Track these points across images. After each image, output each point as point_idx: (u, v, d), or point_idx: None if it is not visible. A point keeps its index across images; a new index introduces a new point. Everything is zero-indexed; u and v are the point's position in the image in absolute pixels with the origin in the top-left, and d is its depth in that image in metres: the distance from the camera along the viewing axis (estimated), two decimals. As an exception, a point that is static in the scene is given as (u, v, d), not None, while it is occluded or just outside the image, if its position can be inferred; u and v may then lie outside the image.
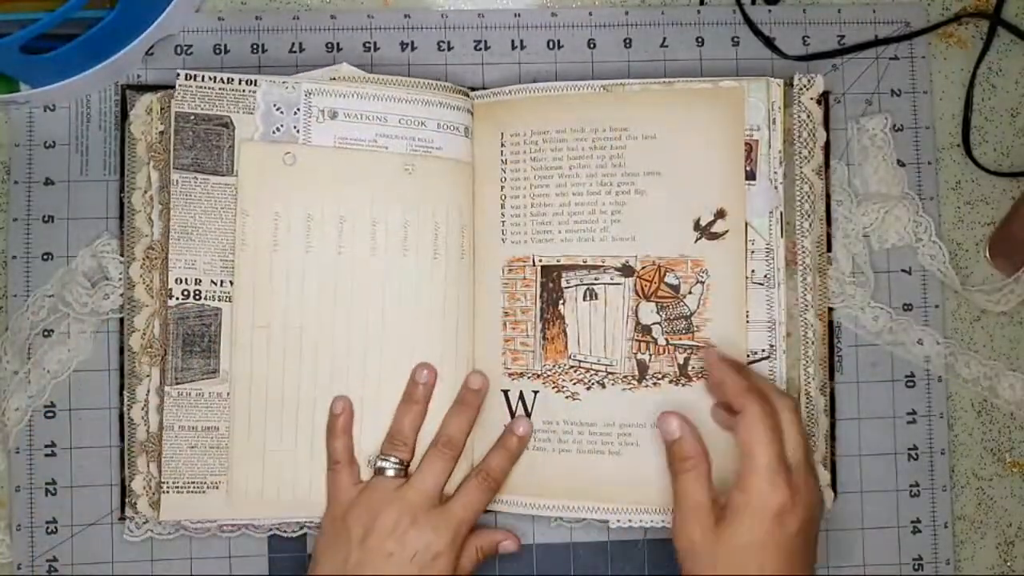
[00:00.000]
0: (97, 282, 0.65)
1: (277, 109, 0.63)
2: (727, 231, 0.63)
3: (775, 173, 0.64)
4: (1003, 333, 0.69)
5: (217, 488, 0.62)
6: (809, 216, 0.65)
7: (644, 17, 0.69)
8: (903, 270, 0.68)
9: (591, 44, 0.69)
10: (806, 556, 0.56)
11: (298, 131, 0.63)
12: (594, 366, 0.63)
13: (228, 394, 0.62)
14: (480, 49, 0.68)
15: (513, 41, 0.68)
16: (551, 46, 0.69)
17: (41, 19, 0.57)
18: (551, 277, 0.64)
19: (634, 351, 0.63)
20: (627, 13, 0.69)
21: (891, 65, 0.69)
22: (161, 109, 0.64)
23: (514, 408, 0.64)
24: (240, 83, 0.63)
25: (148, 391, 0.63)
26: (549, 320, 0.64)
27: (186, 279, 0.62)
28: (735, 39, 0.69)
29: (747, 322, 0.63)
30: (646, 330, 0.63)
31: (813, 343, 0.65)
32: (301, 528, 0.64)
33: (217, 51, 0.67)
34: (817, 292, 0.65)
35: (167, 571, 0.65)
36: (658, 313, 0.63)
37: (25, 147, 0.66)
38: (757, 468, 0.54)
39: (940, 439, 0.67)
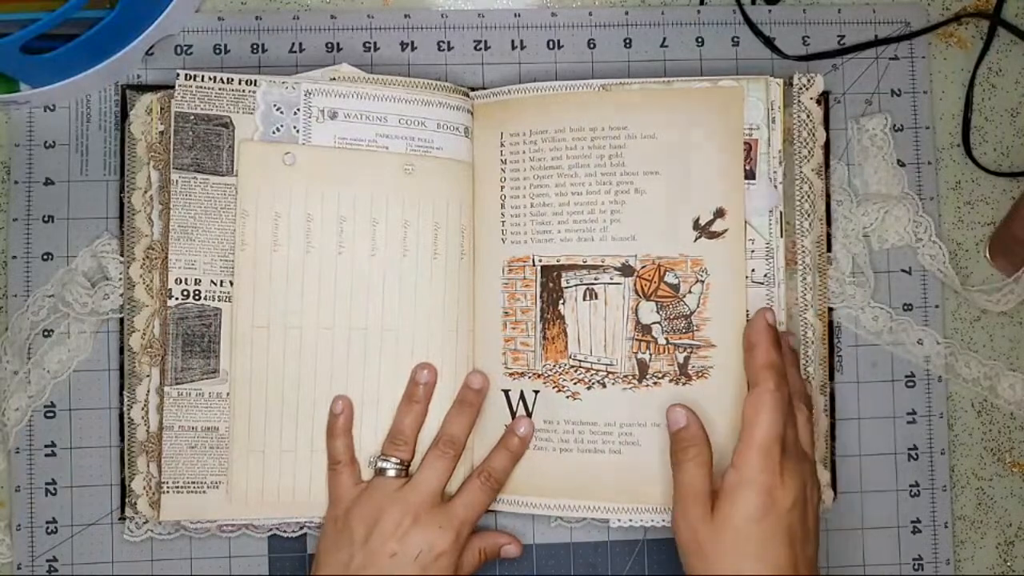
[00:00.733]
0: (97, 282, 0.65)
1: (277, 109, 0.63)
2: (726, 230, 0.63)
3: (775, 173, 0.64)
4: (1003, 333, 0.69)
5: (217, 488, 0.62)
6: (809, 216, 0.65)
7: (644, 17, 0.69)
8: (903, 270, 0.68)
9: (591, 44, 0.69)
10: (805, 536, 0.56)
11: (298, 131, 0.63)
12: (594, 366, 0.63)
13: (228, 394, 0.62)
14: (480, 49, 0.68)
15: (513, 41, 0.68)
16: (551, 46, 0.69)
17: (41, 19, 0.57)
18: (551, 277, 0.64)
19: (634, 351, 0.63)
20: (627, 13, 0.69)
21: (891, 65, 0.69)
22: (161, 109, 0.64)
23: (515, 408, 0.64)
24: (240, 83, 0.63)
25: (148, 391, 0.63)
26: (549, 320, 0.64)
27: (186, 279, 0.62)
28: (735, 39, 0.69)
29: (747, 321, 0.63)
30: (646, 329, 0.63)
31: (813, 343, 0.65)
32: (301, 528, 0.64)
33: (217, 51, 0.67)
34: (817, 292, 0.65)
35: (167, 571, 0.65)
36: (658, 312, 0.63)
37: (25, 147, 0.66)
38: (752, 444, 0.55)
39: (940, 439, 0.67)
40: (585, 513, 0.63)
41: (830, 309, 0.66)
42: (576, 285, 0.64)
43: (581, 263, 0.64)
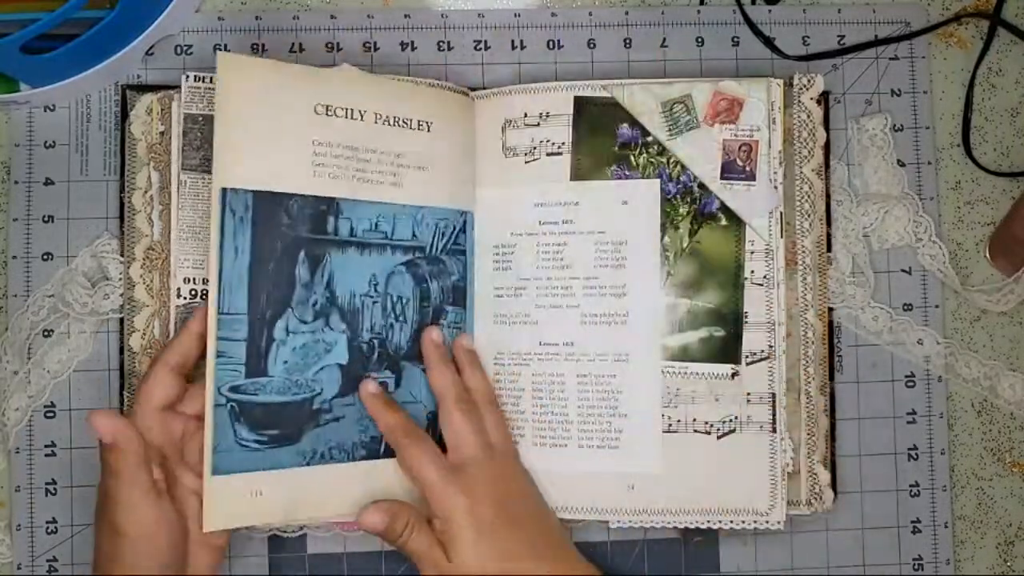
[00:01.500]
0: (97, 282, 0.65)
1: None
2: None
3: (775, 173, 0.64)
4: (1003, 333, 0.69)
5: None
6: (809, 216, 0.65)
7: (644, 17, 0.69)
8: (903, 270, 0.68)
9: (591, 44, 0.69)
10: (529, 518, 0.60)
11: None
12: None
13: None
14: (480, 49, 0.68)
15: (513, 41, 0.68)
16: (551, 46, 0.69)
17: (41, 19, 0.57)
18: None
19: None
20: (627, 13, 0.69)
21: (891, 65, 0.69)
22: (161, 110, 0.64)
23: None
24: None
25: (148, 391, 0.63)
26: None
27: (194, 279, 0.62)
28: (735, 39, 0.69)
29: (745, 322, 0.63)
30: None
31: (813, 343, 0.65)
32: (301, 528, 0.64)
33: (217, 51, 0.67)
34: (817, 292, 0.65)
35: (167, 571, 0.65)
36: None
37: (25, 147, 0.66)
38: (428, 486, 0.58)
39: (940, 439, 0.67)
40: (584, 514, 0.63)
41: (830, 309, 0.66)
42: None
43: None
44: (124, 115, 0.65)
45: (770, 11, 0.69)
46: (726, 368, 0.63)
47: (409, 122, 0.63)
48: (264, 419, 0.58)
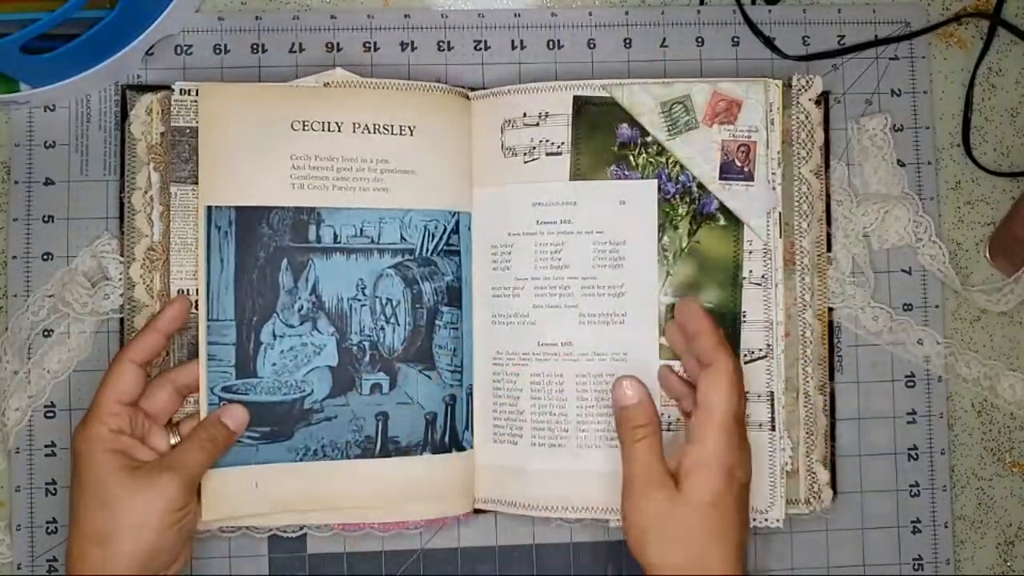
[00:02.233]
0: (97, 282, 0.65)
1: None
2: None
3: (773, 174, 0.64)
4: (1003, 333, 0.69)
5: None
6: (807, 216, 0.65)
7: (644, 17, 0.69)
8: (903, 270, 0.68)
9: (591, 44, 0.69)
10: (747, 512, 0.57)
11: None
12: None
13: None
14: (480, 49, 0.68)
15: (513, 41, 0.68)
16: (551, 46, 0.69)
17: (41, 19, 0.57)
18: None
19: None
20: (627, 13, 0.69)
21: (891, 65, 0.69)
22: (161, 110, 0.64)
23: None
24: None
25: (148, 391, 0.63)
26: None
27: (189, 290, 0.62)
28: (735, 39, 0.69)
29: (744, 321, 0.63)
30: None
31: (812, 343, 0.65)
32: (301, 528, 0.64)
33: (217, 51, 0.67)
34: (816, 292, 0.65)
35: (167, 571, 0.65)
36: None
37: (25, 147, 0.66)
38: (718, 422, 0.55)
39: (940, 439, 0.67)
40: (585, 514, 0.63)
41: (830, 309, 0.66)
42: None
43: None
44: (124, 115, 0.65)
45: (770, 11, 0.69)
46: None
47: (390, 128, 0.63)
48: (256, 417, 0.61)
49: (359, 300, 0.63)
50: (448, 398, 0.64)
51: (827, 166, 0.67)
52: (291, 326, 0.62)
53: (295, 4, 0.68)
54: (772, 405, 0.63)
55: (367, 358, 0.63)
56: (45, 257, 0.66)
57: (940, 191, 0.69)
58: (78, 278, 0.65)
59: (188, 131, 0.63)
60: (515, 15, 0.69)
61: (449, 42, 0.68)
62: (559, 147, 0.64)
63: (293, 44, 0.68)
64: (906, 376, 0.68)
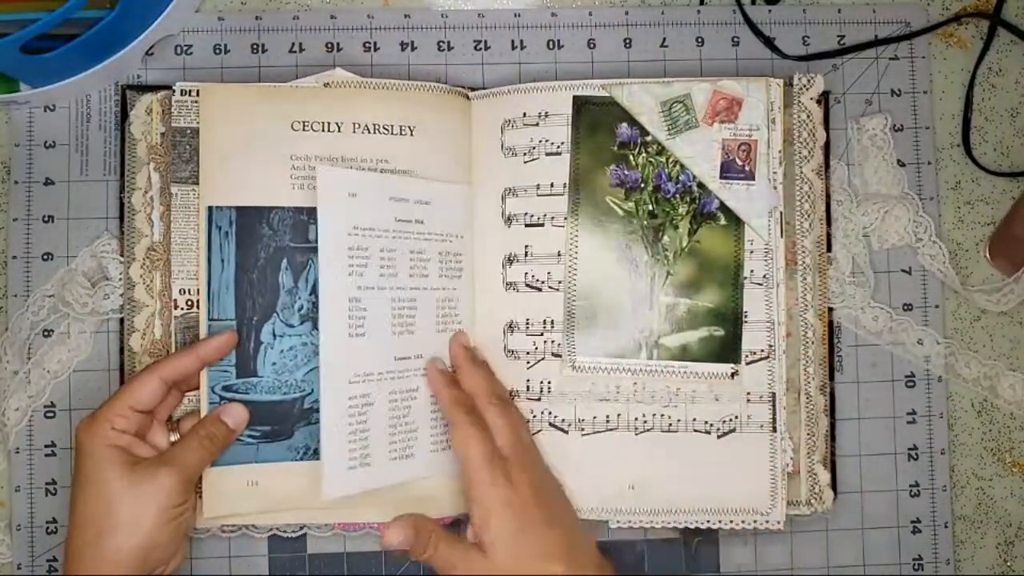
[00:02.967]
0: (97, 282, 0.65)
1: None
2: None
3: (774, 173, 0.64)
4: (1003, 333, 0.69)
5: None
6: (809, 216, 0.65)
7: (644, 17, 0.69)
8: (903, 270, 0.68)
9: (591, 44, 0.69)
10: (558, 503, 0.60)
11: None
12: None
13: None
14: (480, 49, 0.68)
15: (513, 41, 0.68)
16: (551, 46, 0.69)
17: (41, 19, 0.57)
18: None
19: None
20: (627, 13, 0.69)
21: (891, 65, 0.69)
22: (162, 110, 0.64)
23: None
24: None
25: (148, 391, 0.63)
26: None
27: (190, 290, 0.62)
28: (735, 39, 0.69)
29: (745, 322, 0.63)
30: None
31: (813, 343, 0.65)
32: (301, 528, 0.64)
33: (217, 51, 0.67)
34: (817, 292, 0.65)
35: (167, 571, 0.65)
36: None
37: (25, 147, 0.66)
38: (473, 467, 0.57)
39: (940, 439, 0.67)
40: (586, 515, 0.63)
41: (830, 309, 0.66)
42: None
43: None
44: (124, 115, 0.65)
45: (770, 11, 0.69)
46: (726, 368, 0.63)
47: (390, 128, 0.63)
48: (256, 416, 0.61)
49: None
50: None
51: (827, 166, 0.66)
52: (291, 326, 0.62)
53: (295, 4, 0.68)
54: (773, 406, 0.63)
55: None
56: (45, 257, 0.66)
57: (940, 191, 0.69)
58: (78, 278, 0.65)
59: (189, 132, 0.63)
60: (515, 15, 0.69)
61: (449, 42, 0.68)
62: (559, 147, 0.64)
63: (293, 44, 0.68)
64: (906, 376, 0.68)
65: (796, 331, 0.65)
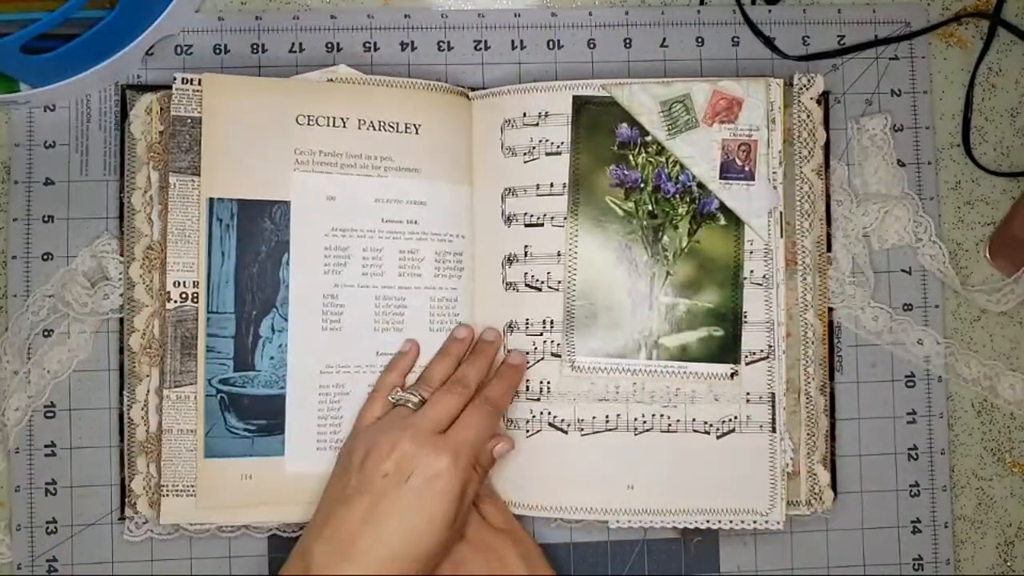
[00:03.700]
0: (97, 282, 0.65)
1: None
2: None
3: (774, 173, 0.64)
4: (1003, 333, 0.69)
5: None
6: (809, 216, 0.65)
7: (644, 17, 0.69)
8: (903, 270, 0.68)
9: (591, 44, 0.69)
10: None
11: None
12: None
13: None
14: (480, 49, 0.68)
15: (513, 41, 0.68)
16: (551, 46, 0.69)
17: (41, 19, 0.57)
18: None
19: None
20: (627, 13, 0.69)
21: (891, 65, 0.69)
22: (161, 110, 0.64)
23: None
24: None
25: (148, 391, 0.63)
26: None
27: (184, 282, 0.62)
28: (735, 39, 0.69)
29: (745, 322, 0.63)
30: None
31: (813, 343, 0.65)
32: (301, 529, 0.64)
33: (217, 51, 0.67)
34: (817, 292, 0.65)
35: (167, 571, 0.65)
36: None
37: (25, 147, 0.66)
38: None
39: (940, 439, 0.67)
40: (585, 515, 0.63)
41: (830, 309, 0.66)
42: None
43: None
44: (124, 115, 0.65)
45: (770, 11, 0.69)
46: (725, 368, 0.63)
47: (395, 125, 0.63)
48: (252, 410, 0.62)
49: None
50: None
51: (827, 166, 0.66)
52: (288, 320, 0.62)
53: (295, 4, 0.68)
54: (773, 406, 0.63)
55: None
56: (45, 257, 0.66)
57: (940, 191, 0.69)
58: (78, 278, 0.65)
59: (189, 121, 0.62)
60: (515, 15, 0.69)
61: (449, 42, 0.68)
62: (559, 147, 0.64)
63: (293, 44, 0.68)
64: (906, 376, 0.68)
65: (796, 331, 0.65)
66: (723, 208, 0.64)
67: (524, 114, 0.65)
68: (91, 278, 0.65)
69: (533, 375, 0.64)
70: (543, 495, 0.63)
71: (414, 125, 0.64)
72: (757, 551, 0.66)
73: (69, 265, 0.65)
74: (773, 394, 0.63)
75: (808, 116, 0.65)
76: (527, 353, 0.64)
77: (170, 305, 0.62)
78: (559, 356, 0.64)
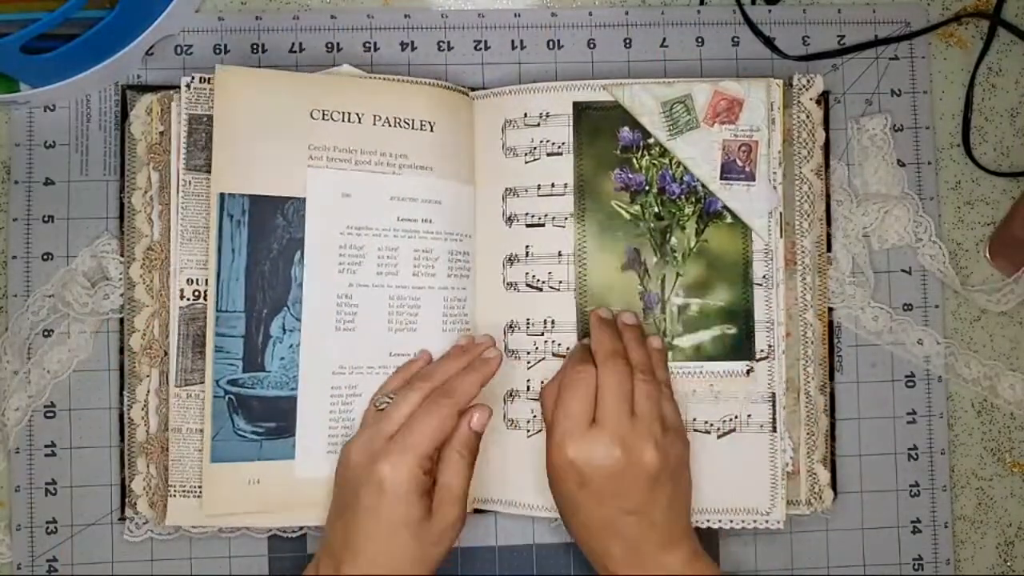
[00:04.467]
0: (97, 282, 0.65)
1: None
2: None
3: (774, 173, 0.64)
4: (1003, 333, 0.69)
5: None
6: (809, 216, 0.65)
7: (644, 17, 0.69)
8: (903, 270, 0.68)
9: (591, 44, 0.69)
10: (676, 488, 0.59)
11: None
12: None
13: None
14: (480, 49, 0.68)
15: (513, 41, 0.68)
16: (551, 46, 0.69)
17: (41, 19, 0.57)
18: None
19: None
20: (627, 13, 0.69)
21: (891, 65, 0.69)
22: (161, 110, 0.64)
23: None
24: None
25: (148, 391, 0.63)
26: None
27: (197, 280, 0.62)
28: (735, 39, 0.69)
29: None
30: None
31: (813, 343, 0.65)
32: (301, 528, 0.64)
33: (217, 51, 0.67)
34: (817, 292, 0.65)
35: (167, 571, 0.65)
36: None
37: (25, 147, 0.66)
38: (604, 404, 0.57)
39: (940, 439, 0.67)
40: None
41: (830, 309, 0.66)
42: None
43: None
44: (124, 115, 0.65)
45: (770, 11, 0.69)
46: (740, 365, 0.63)
47: (411, 122, 0.63)
48: (261, 412, 0.60)
49: None
50: None
51: (827, 166, 0.67)
52: (301, 320, 0.61)
53: (295, 4, 0.68)
54: (773, 406, 0.63)
55: None
56: (45, 257, 0.65)
57: (940, 191, 0.69)
58: (78, 278, 0.65)
59: (205, 119, 0.62)
60: (515, 15, 0.69)
61: (449, 42, 0.68)
62: (560, 147, 0.64)
63: (293, 44, 0.68)
64: (906, 376, 0.68)
65: (796, 331, 0.65)
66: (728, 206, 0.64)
67: (525, 114, 0.65)
68: (91, 278, 0.65)
69: (534, 375, 0.64)
70: (543, 495, 0.63)
71: (429, 123, 0.63)
72: (757, 551, 0.66)
73: (69, 265, 0.65)
74: (773, 394, 0.63)
75: (808, 116, 0.65)
76: (528, 353, 0.64)
77: (182, 303, 0.62)
78: (560, 356, 0.64)
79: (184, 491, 0.61)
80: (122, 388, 0.64)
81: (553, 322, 0.64)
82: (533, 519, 0.66)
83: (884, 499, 0.67)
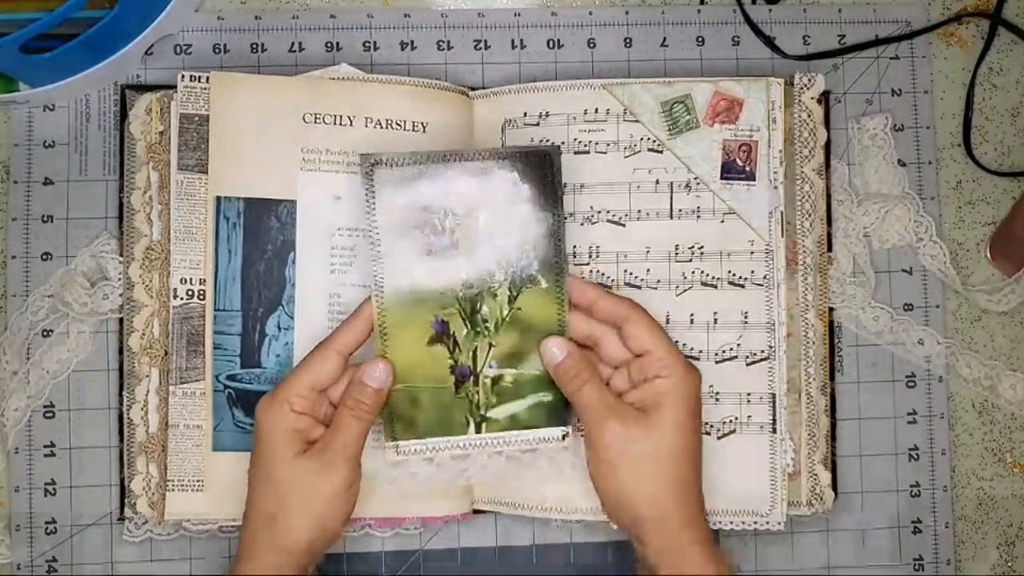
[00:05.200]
0: (97, 282, 0.65)
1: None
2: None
3: (775, 173, 0.63)
4: (1004, 333, 0.69)
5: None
6: (810, 216, 0.65)
7: (644, 17, 0.69)
8: (903, 270, 0.68)
9: (591, 44, 0.69)
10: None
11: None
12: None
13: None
14: (480, 49, 0.68)
15: (513, 41, 0.68)
16: (551, 46, 0.68)
17: (41, 19, 0.57)
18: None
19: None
20: (627, 13, 0.69)
21: (892, 65, 0.69)
22: (161, 109, 0.64)
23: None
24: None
25: (148, 391, 0.63)
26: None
27: (190, 279, 0.62)
28: (735, 39, 0.69)
29: (745, 323, 0.63)
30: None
31: (814, 343, 0.65)
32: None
33: (217, 51, 0.67)
34: (817, 292, 0.65)
35: (167, 571, 0.65)
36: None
37: (25, 147, 0.66)
38: (672, 352, 0.58)
39: (941, 439, 0.67)
40: (583, 515, 0.63)
41: (831, 309, 0.66)
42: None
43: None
44: (123, 115, 0.65)
45: (770, 11, 0.69)
46: (556, 431, 0.60)
47: (403, 124, 0.63)
48: None
49: None
50: None
51: (828, 166, 0.66)
52: (295, 319, 0.62)
53: (295, 4, 0.68)
54: (774, 407, 0.63)
55: None
56: (44, 257, 0.65)
57: (941, 191, 0.69)
58: (77, 278, 0.65)
59: (196, 118, 0.62)
60: (515, 15, 0.68)
61: (449, 42, 0.68)
62: (560, 147, 0.64)
63: (293, 44, 0.67)
64: (907, 376, 0.68)
65: (797, 331, 0.65)
66: (542, 270, 0.59)
67: (525, 114, 0.64)
68: (91, 278, 0.65)
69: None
70: (543, 495, 0.63)
71: (421, 124, 0.64)
72: (758, 551, 0.66)
73: (68, 265, 0.65)
74: (774, 394, 0.63)
75: (809, 116, 0.65)
76: None
77: (175, 302, 0.62)
78: None
79: (182, 485, 0.62)
80: (121, 388, 0.64)
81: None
82: (533, 519, 0.65)
83: (885, 499, 0.67)
